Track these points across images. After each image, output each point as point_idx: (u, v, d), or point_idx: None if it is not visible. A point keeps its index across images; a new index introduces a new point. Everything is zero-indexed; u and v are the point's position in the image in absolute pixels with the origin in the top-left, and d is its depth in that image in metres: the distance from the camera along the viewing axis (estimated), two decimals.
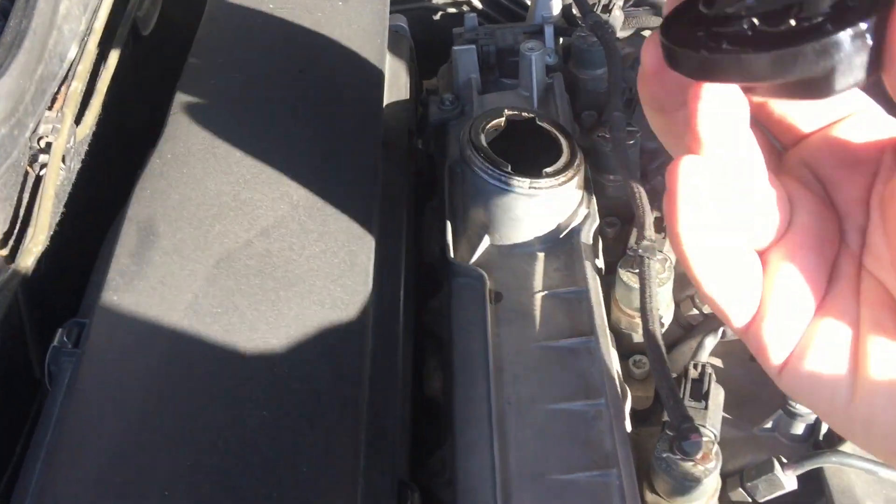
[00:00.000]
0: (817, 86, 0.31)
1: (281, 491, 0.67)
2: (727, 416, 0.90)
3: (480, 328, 0.94)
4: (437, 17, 1.61)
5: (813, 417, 0.86)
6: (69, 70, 0.87)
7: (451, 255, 1.02)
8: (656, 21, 1.38)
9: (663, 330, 0.99)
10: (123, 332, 0.75)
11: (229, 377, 0.72)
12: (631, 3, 1.40)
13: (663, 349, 0.84)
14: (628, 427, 0.88)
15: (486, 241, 1.03)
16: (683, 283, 1.03)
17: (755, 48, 0.31)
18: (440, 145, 1.21)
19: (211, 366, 0.72)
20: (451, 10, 1.58)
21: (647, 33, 1.36)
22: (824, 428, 0.87)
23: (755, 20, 0.31)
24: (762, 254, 0.35)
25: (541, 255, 1.02)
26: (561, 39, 1.34)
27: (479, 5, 1.61)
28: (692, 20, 0.33)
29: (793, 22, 0.30)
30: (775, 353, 0.34)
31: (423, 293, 1.09)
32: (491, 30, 1.31)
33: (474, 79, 1.26)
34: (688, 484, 0.79)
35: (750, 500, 0.83)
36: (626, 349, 1.01)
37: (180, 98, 0.93)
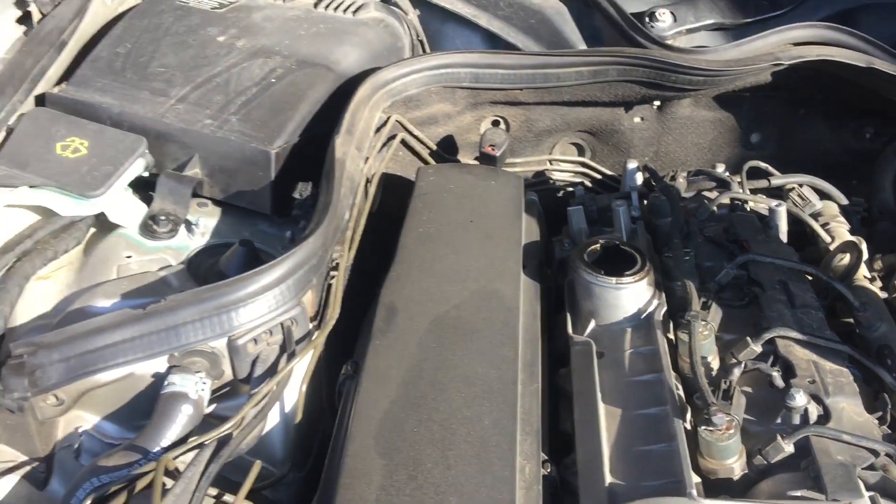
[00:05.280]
0: None
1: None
2: (752, 417, 1.39)
3: (590, 374, 1.48)
4: (560, 194, 2.26)
5: (803, 410, 1.33)
6: (346, 224, 1.55)
7: (571, 331, 1.58)
8: (711, 184, 1.97)
9: (713, 372, 1.50)
10: (382, 363, 1.36)
11: (441, 391, 1.30)
12: (693, 173, 2.00)
13: (702, 372, 1.36)
14: (688, 424, 1.38)
15: (592, 323, 1.59)
16: (727, 345, 1.54)
17: None
18: (562, 272, 1.80)
19: (430, 383, 1.31)
20: (570, 188, 2.22)
21: (705, 193, 1.94)
22: (812, 417, 1.33)
23: None
24: None
25: (629, 330, 1.57)
26: (645, 201, 1.94)
27: (589, 184, 2.25)
28: None
29: None
30: None
31: (558, 364, 1.65)
32: (593, 196, 1.93)
33: (583, 229, 1.87)
34: (720, 446, 1.28)
35: (766, 462, 1.29)
36: (688, 388, 1.50)
37: (404, 237, 1.59)
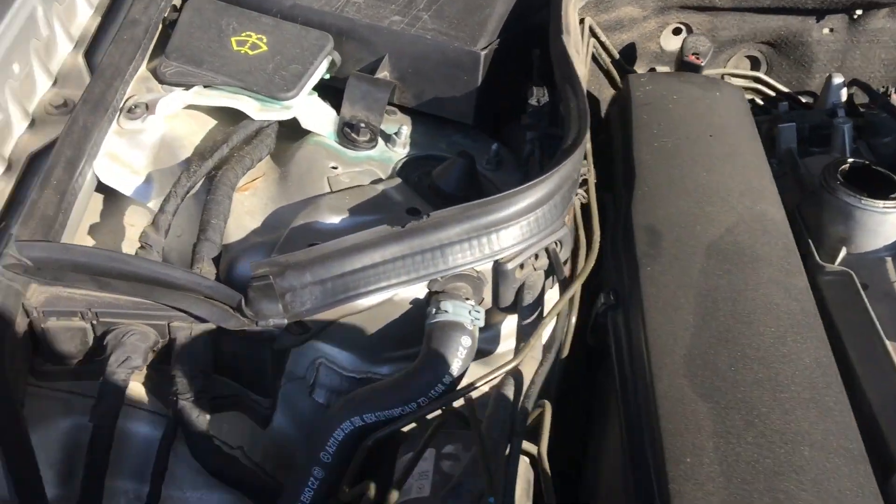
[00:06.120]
0: None
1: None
2: None
3: (862, 307, 1.32)
4: None
5: None
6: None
7: (818, 260, 1.43)
8: None
9: None
10: (664, 292, 1.19)
11: (746, 324, 1.14)
12: None
13: None
14: None
15: (843, 251, 1.43)
16: None
17: None
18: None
19: (730, 314, 1.14)
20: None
21: None
22: None
23: None
24: None
25: (889, 259, 1.41)
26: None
27: (760, 101, 2.07)
28: None
29: None
30: None
31: None
32: (802, 112, 1.76)
33: (793, 148, 1.70)
34: None
35: None
36: None
37: (638, 151, 1.41)
